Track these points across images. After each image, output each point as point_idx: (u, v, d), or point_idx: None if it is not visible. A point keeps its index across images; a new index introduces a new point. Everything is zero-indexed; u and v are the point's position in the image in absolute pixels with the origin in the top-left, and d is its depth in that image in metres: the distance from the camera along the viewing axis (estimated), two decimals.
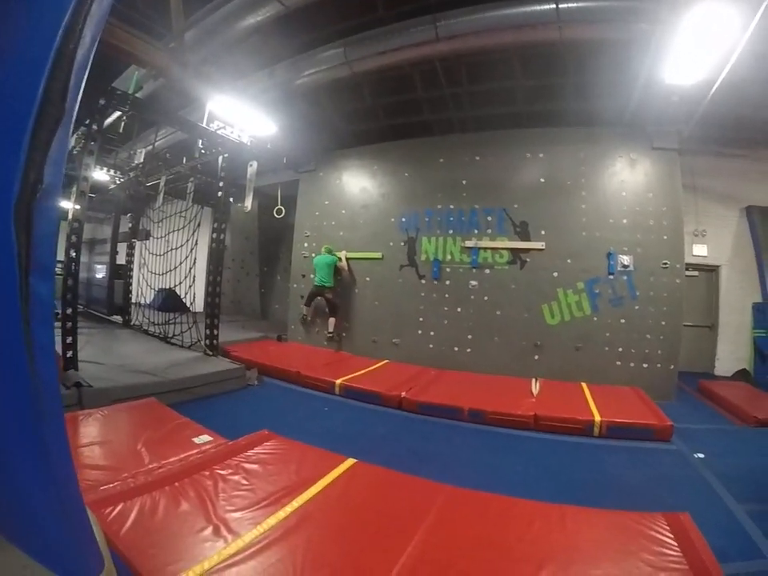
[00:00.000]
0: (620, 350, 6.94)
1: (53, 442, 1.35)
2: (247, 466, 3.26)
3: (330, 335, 8.54)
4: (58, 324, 5.12)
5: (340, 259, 8.58)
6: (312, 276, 8.86)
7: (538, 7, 4.99)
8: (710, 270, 8.83)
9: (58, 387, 1.36)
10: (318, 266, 8.50)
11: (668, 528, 2.64)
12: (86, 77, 1.35)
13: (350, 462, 3.43)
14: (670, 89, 5.74)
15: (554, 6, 4.90)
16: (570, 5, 4.88)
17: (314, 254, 8.97)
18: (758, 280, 8.24)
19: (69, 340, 5.08)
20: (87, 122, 5.58)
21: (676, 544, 2.48)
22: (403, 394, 5.82)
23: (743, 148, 8.15)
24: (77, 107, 1.34)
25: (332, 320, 8.50)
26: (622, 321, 6.96)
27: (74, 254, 5.20)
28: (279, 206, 9.07)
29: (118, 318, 9.80)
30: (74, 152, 7.48)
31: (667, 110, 6.62)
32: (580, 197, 7.28)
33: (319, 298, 8.61)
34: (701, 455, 4.50)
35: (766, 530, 3.03)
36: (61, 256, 5.36)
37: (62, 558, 1.44)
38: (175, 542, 2.29)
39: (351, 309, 8.81)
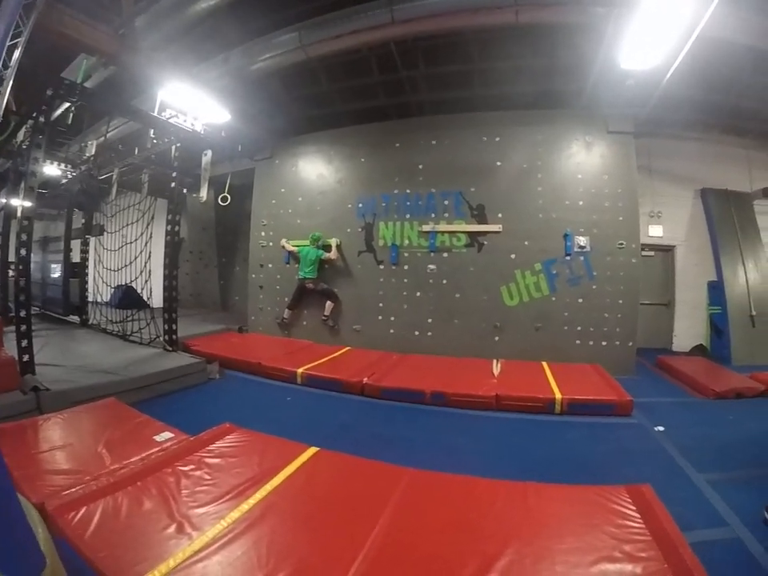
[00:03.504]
0: (579, 328, 7.09)
1: None
2: (209, 460, 3.24)
3: (325, 318, 8.34)
4: (12, 327, 4.97)
5: (329, 247, 8.34)
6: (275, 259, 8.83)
7: None
8: (665, 250, 9.08)
9: None
10: (304, 258, 8.33)
11: (630, 500, 2.71)
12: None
13: (313, 450, 3.43)
14: (626, 73, 5.82)
15: None
16: None
17: (292, 245, 8.71)
18: (712, 259, 8.50)
19: (24, 343, 4.88)
20: (34, 114, 5.36)
21: (638, 515, 2.55)
22: (365, 380, 5.83)
23: (699, 131, 8.37)
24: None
25: (329, 304, 8.31)
26: (580, 300, 7.11)
27: (25, 252, 4.98)
28: (225, 194, 8.89)
29: (75, 318, 9.52)
30: (22, 146, 7.24)
31: (623, 93, 6.74)
32: (536, 179, 7.37)
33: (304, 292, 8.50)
34: (661, 428, 4.62)
35: (728, 498, 3.12)
36: (12, 256, 5.18)
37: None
38: (140, 542, 2.28)
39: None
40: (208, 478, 2.98)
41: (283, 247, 8.78)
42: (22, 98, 5.62)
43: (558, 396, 5.14)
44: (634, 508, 2.62)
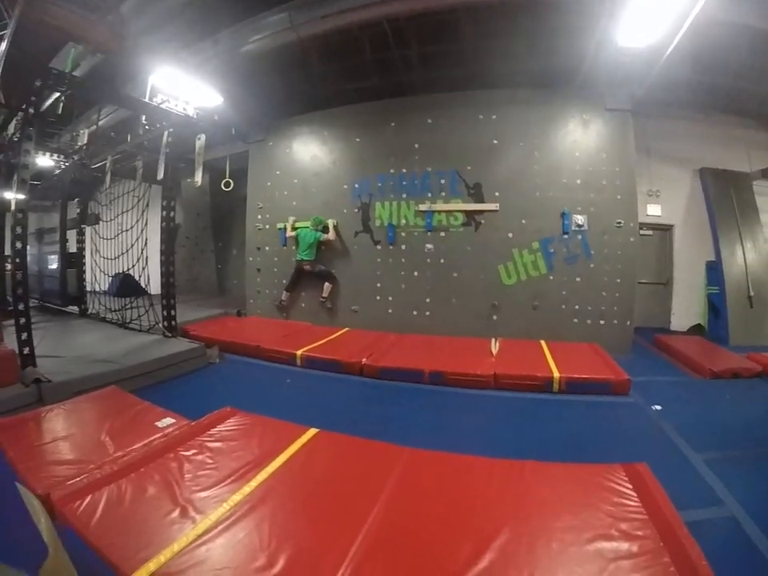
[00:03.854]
0: (577, 307, 7.09)
1: None
2: (211, 444, 3.26)
3: (324, 300, 8.36)
4: (11, 321, 4.94)
5: (327, 229, 8.34)
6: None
7: None
8: (664, 229, 9.04)
9: None
10: (302, 240, 8.32)
11: (626, 478, 2.72)
12: None
13: (313, 431, 3.45)
14: (624, 51, 5.75)
15: None
16: None
17: (289, 227, 8.69)
18: (711, 239, 8.44)
19: (24, 336, 4.86)
20: (24, 106, 5.30)
21: (635, 494, 2.56)
22: (364, 360, 5.84)
23: (697, 111, 8.33)
24: None
25: (327, 285, 8.33)
26: (578, 279, 7.10)
27: (21, 245, 4.93)
28: (227, 179, 8.88)
29: (74, 309, 9.51)
30: (13, 139, 7.19)
31: (620, 71, 6.65)
32: (533, 157, 7.31)
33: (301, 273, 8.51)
34: (658, 407, 4.63)
35: (724, 478, 3.13)
36: (8, 250, 5.15)
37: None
38: (144, 528, 2.30)
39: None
40: (210, 462, 3.00)
41: (281, 229, 8.74)
42: (10, 90, 5.55)
43: (556, 375, 5.15)
44: (631, 486, 2.64)
